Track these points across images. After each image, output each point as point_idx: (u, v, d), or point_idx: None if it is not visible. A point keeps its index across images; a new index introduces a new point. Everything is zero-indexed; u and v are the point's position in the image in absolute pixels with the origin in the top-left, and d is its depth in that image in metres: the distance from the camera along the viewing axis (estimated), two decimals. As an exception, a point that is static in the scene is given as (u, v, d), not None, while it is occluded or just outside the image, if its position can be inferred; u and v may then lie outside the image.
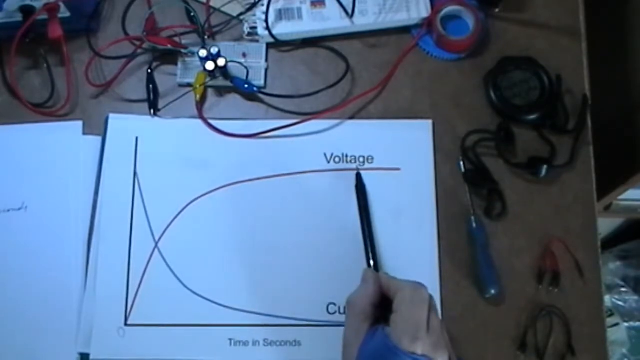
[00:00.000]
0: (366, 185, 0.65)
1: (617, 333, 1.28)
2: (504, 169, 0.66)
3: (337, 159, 0.66)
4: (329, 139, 0.67)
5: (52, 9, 0.65)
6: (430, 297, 0.48)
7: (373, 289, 0.51)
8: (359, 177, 0.65)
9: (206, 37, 0.68)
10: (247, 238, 0.64)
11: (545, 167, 0.64)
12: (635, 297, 1.29)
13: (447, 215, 0.65)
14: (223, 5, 0.70)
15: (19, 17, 0.64)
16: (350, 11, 0.69)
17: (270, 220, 0.65)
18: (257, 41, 0.70)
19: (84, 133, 0.67)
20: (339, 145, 0.67)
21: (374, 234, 0.63)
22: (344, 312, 0.62)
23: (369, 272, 0.54)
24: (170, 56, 0.69)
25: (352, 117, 0.68)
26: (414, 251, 0.64)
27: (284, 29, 0.69)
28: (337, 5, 0.69)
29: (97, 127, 0.67)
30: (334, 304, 0.62)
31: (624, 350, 1.28)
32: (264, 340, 0.61)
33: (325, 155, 0.67)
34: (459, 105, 0.69)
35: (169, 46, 0.67)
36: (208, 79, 0.67)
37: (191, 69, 0.68)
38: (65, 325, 0.62)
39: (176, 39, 0.68)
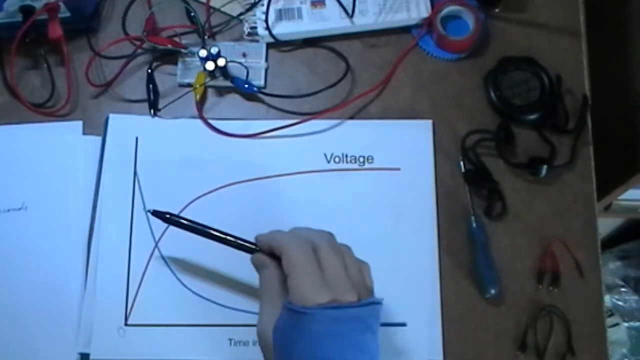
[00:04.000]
0: (365, 186, 0.65)
1: (617, 333, 1.28)
2: (504, 169, 0.66)
3: (337, 159, 0.66)
4: (329, 139, 0.67)
5: (52, 9, 0.64)
6: (318, 237, 0.47)
7: (270, 272, 0.48)
8: None
9: (206, 37, 0.68)
10: (247, 238, 0.64)
11: (545, 167, 0.64)
12: (635, 297, 1.29)
13: (447, 215, 0.65)
14: (223, 5, 0.70)
15: (19, 17, 0.64)
16: (350, 11, 0.69)
17: (270, 220, 0.64)
18: (257, 41, 0.70)
19: (84, 133, 0.67)
20: (339, 145, 0.67)
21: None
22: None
23: (258, 257, 0.50)
24: (170, 56, 0.69)
25: (352, 117, 0.68)
26: (414, 251, 0.64)
27: (284, 29, 0.69)
28: (337, 5, 0.69)
29: (97, 127, 0.67)
30: (334, 304, 0.62)
31: (624, 350, 1.28)
32: (264, 340, 0.61)
33: (325, 155, 0.67)
34: (459, 105, 0.69)
35: (169, 46, 0.67)
36: (208, 79, 0.67)
37: (191, 69, 0.68)
38: (65, 325, 0.61)
39: (176, 39, 0.68)
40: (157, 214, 0.55)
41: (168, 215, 0.55)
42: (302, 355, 0.42)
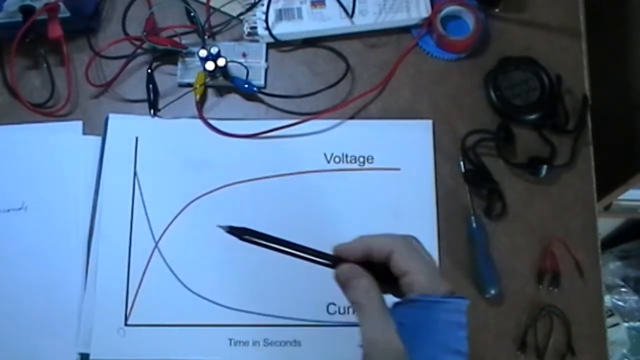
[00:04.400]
0: (365, 186, 0.65)
1: (617, 333, 1.28)
2: (504, 169, 0.66)
3: (337, 159, 0.66)
4: (329, 139, 0.67)
5: (52, 9, 0.64)
6: (403, 235, 0.45)
7: (367, 281, 0.44)
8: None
9: (206, 37, 0.68)
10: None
11: (545, 167, 0.64)
12: (635, 297, 1.29)
13: (447, 215, 0.65)
14: (223, 5, 0.70)
15: (19, 17, 0.64)
16: (350, 11, 0.69)
17: (270, 220, 0.65)
18: (257, 41, 0.70)
19: (84, 133, 0.67)
20: (339, 145, 0.67)
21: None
22: (344, 312, 0.62)
23: (349, 268, 0.45)
24: (170, 56, 0.69)
25: (352, 117, 0.68)
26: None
27: (284, 29, 0.69)
28: (337, 5, 0.69)
29: (97, 127, 0.67)
30: (334, 304, 0.62)
31: (624, 350, 1.28)
32: (264, 340, 0.61)
33: (325, 155, 0.67)
34: (459, 105, 0.69)
35: (169, 46, 0.67)
36: (208, 79, 0.67)
37: (191, 69, 0.68)
38: (65, 325, 0.61)
39: (176, 39, 0.68)
40: (233, 230, 0.48)
41: (244, 232, 0.49)
42: (440, 344, 0.42)
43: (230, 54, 0.67)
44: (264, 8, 0.68)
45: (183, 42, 0.68)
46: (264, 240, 0.48)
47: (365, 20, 0.69)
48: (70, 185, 0.65)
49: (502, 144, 0.66)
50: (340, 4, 0.69)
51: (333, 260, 0.46)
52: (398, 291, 0.44)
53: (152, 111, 0.68)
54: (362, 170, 0.66)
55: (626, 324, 1.28)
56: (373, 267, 0.44)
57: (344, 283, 0.46)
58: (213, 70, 0.65)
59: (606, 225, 1.28)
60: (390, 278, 0.45)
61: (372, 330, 0.43)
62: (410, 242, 0.45)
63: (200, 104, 0.67)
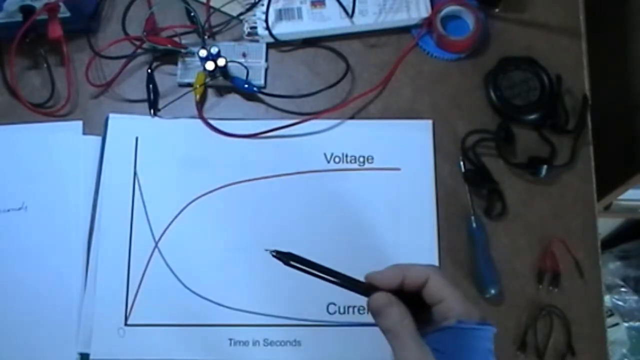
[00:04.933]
0: (365, 186, 0.65)
1: (617, 333, 1.28)
2: (504, 169, 0.66)
3: (337, 159, 0.66)
4: (329, 139, 0.67)
5: (52, 9, 0.64)
6: (430, 265, 0.45)
7: (401, 309, 0.44)
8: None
9: (206, 37, 0.68)
10: (247, 238, 0.64)
11: (545, 167, 0.64)
12: (635, 297, 1.29)
13: (447, 215, 0.65)
14: (223, 5, 0.70)
15: (19, 17, 0.64)
16: (350, 11, 0.69)
17: (270, 220, 0.65)
18: (257, 41, 0.70)
19: (84, 133, 0.67)
20: (339, 145, 0.67)
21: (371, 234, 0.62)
22: (344, 312, 0.62)
23: (383, 296, 0.44)
24: (170, 56, 0.69)
25: (352, 117, 0.68)
26: (414, 251, 0.64)
27: (284, 29, 0.69)
28: (337, 5, 0.69)
29: (97, 127, 0.67)
30: (334, 304, 0.62)
31: (624, 350, 1.28)
32: (264, 340, 0.61)
33: (325, 155, 0.67)
34: (459, 105, 0.69)
35: (169, 46, 0.67)
36: (208, 79, 0.67)
37: (191, 69, 0.68)
38: (65, 325, 0.61)
39: (176, 39, 0.68)
40: (279, 255, 0.48)
41: (289, 257, 0.49)
42: None
43: (230, 54, 0.67)
44: (264, 8, 0.68)
45: (183, 42, 0.68)
46: (306, 266, 0.48)
47: (365, 20, 0.69)
48: (70, 185, 0.65)
49: (502, 144, 0.66)
50: (340, 4, 0.69)
51: (366, 288, 0.46)
52: (423, 321, 0.44)
53: (152, 111, 0.68)
54: (362, 170, 0.66)
55: (626, 324, 1.29)
56: (402, 296, 0.44)
57: (377, 311, 0.45)
58: (213, 70, 0.65)
59: (606, 225, 1.28)
60: (416, 308, 0.45)
61: (409, 358, 0.43)
62: (439, 270, 0.45)
63: (200, 104, 0.67)
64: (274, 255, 0.49)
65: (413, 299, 0.45)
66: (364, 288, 0.46)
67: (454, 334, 0.43)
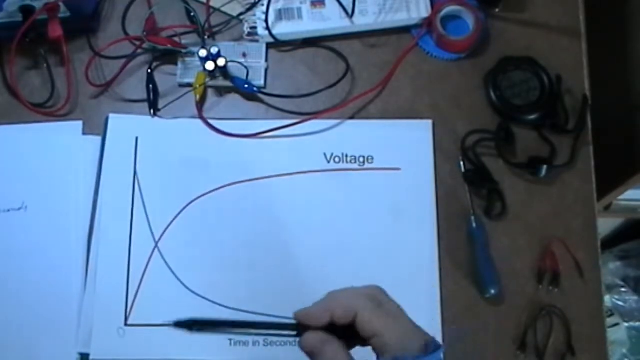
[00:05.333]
0: (365, 186, 0.65)
1: (617, 333, 1.28)
2: (504, 169, 0.66)
3: (337, 159, 0.66)
4: (329, 139, 0.67)
5: (52, 9, 0.64)
6: (365, 290, 0.43)
7: (333, 347, 0.41)
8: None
9: (206, 37, 0.68)
10: (247, 238, 0.64)
11: (545, 167, 0.64)
12: (635, 297, 1.29)
13: (447, 215, 0.65)
14: (223, 5, 0.70)
15: (19, 17, 0.64)
16: (350, 11, 0.69)
17: (270, 220, 0.65)
18: (257, 41, 0.70)
19: (84, 133, 0.67)
20: (339, 145, 0.67)
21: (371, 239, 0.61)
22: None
23: (315, 336, 0.42)
24: (170, 56, 0.69)
25: (352, 117, 0.68)
26: (414, 251, 0.64)
27: (284, 29, 0.69)
28: (337, 5, 0.69)
29: (97, 127, 0.67)
30: (334, 304, 0.62)
31: (624, 350, 1.28)
32: (264, 340, 0.61)
33: (325, 155, 0.67)
34: (459, 105, 0.69)
35: (169, 46, 0.67)
36: (208, 79, 0.67)
37: (191, 69, 0.68)
38: (65, 325, 0.61)
39: (176, 39, 0.68)
40: (181, 324, 0.49)
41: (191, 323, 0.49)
42: None
43: (230, 54, 0.67)
44: (264, 8, 0.68)
45: (183, 42, 0.68)
46: (214, 326, 0.48)
47: (365, 20, 0.69)
48: (70, 185, 0.65)
49: (502, 144, 0.66)
50: (340, 4, 0.69)
51: (296, 329, 0.44)
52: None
53: (152, 111, 0.67)
54: (362, 170, 0.66)
55: (626, 324, 1.28)
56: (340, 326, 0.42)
57: (310, 353, 0.43)
58: (213, 70, 0.65)
59: (606, 225, 1.28)
60: (357, 338, 0.42)
61: None
62: (375, 297, 0.42)
63: (200, 104, 0.67)
64: (176, 325, 0.48)
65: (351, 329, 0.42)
66: (294, 328, 0.44)
67: None
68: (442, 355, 0.41)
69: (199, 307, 0.62)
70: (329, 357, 0.42)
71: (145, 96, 0.68)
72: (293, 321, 0.44)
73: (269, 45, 0.70)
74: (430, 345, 0.40)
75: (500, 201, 0.65)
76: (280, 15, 0.69)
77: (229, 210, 0.65)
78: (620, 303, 1.30)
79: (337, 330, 0.42)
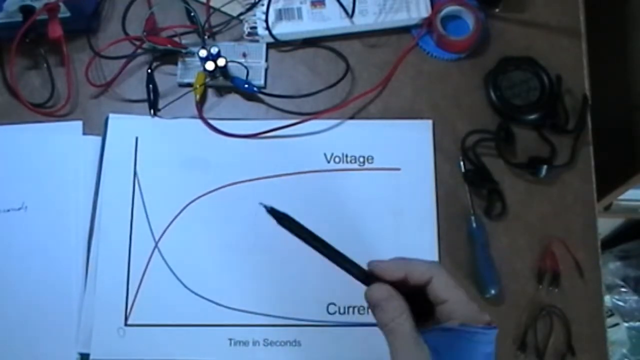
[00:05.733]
0: (365, 186, 0.65)
1: (617, 333, 1.28)
2: (504, 169, 0.66)
3: (337, 159, 0.66)
4: (329, 139, 0.67)
5: (52, 9, 0.64)
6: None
7: (401, 303, 0.42)
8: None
9: (206, 37, 0.68)
10: (247, 238, 0.64)
11: (545, 167, 0.64)
12: (635, 297, 1.29)
13: (447, 215, 0.65)
14: (223, 5, 0.70)
15: (19, 17, 0.64)
16: (350, 11, 0.69)
17: (270, 220, 0.65)
18: (257, 41, 0.70)
19: (84, 133, 0.67)
20: (339, 145, 0.67)
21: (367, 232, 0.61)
22: (344, 313, 0.62)
23: (382, 288, 0.43)
24: (170, 56, 0.69)
25: (352, 117, 0.68)
26: (414, 251, 0.63)
27: (284, 29, 0.69)
28: (337, 5, 0.69)
29: (97, 127, 0.67)
30: (334, 304, 0.62)
31: (624, 350, 1.28)
32: (264, 340, 0.61)
33: (325, 155, 0.67)
34: (459, 105, 0.69)
35: (169, 46, 0.67)
36: (208, 79, 0.67)
37: (191, 69, 0.68)
38: (65, 325, 0.61)
39: (176, 39, 0.68)
40: (274, 213, 0.47)
41: (284, 217, 0.47)
42: None
43: (230, 54, 0.67)
44: (264, 8, 0.68)
45: (183, 42, 0.68)
46: (300, 232, 0.47)
47: (365, 20, 0.69)
48: (70, 185, 0.65)
49: (502, 144, 0.66)
50: (340, 4, 0.69)
51: (365, 274, 0.44)
52: (427, 316, 0.43)
53: (152, 111, 0.67)
54: (362, 170, 0.66)
55: (626, 324, 1.29)
56: (405, 289, 0.43)
57: (375, 304, 0.43)
58: (213, 70, 0.65)
59: (606, 225, 1.28)
60: (420, 303, 0.43)
61: (405, 357, 0.41)
62: (443, 268, 0.44)
63: (200, 104, 0.67)
64: (268, 211, 0.47)
65: (417, 293, 0.43)
66: (363, 274, 0.44)
67: (457, 336, 0.41)
68: (496, 334, 0.42)
69: (199, 307, 0.62)
70: (393, 313, 0.42)
71: (145, 96, 0.68)
72: (371, 274, 0.44)
73: (269, 45, 0.70)
74: (492, 324, 0.42)
75: (500, 201, 0.65)
76: (280, 15, 0.69)
77: (229, 210, 0.65)
78: (620, 303, 1.30)
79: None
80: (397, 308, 0.42)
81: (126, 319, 0.62)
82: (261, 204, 0.46)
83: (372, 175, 0.66)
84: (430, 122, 0.68)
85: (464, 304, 0.42)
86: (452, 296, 0.42)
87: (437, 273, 0.43)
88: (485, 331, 0.41)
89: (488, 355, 0.42)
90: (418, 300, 0.43)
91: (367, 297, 0.44)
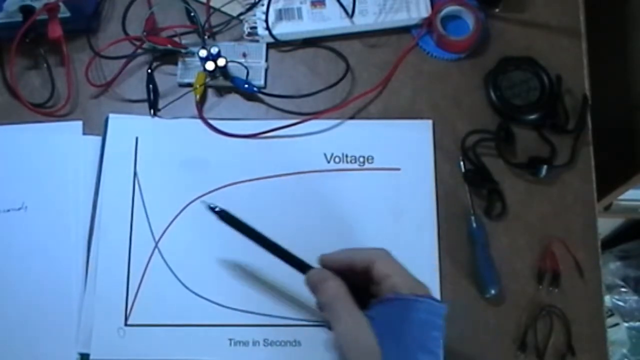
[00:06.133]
0: (365, 186, 0.65)
1: (617, 333, 1.28)
2: (504, 169, 0.66)
3: (337, 159, 0.67)
4: (329, 139, 0.67)
5: (52, 9, 0.65)
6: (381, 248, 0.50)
7: (336, 282, 0.48)
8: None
9: (206, 37, 0.68)
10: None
11: (545, 167, 0.64)
12: (635, 297, 1.29)
13: (447, 215, 0.65)
14: (223, 5, 0.70)
15: (19, 17, 0.64)
16: (350, 11, 0.69)
17: (270, 220, 0.64)
18: (257, 41, 0.70)
19: (84, 133, 0.67)
20: (339, 145, 0.67)
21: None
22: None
23: (318, 272, 0.50)
24: (170, 56, 0.69)
25: (352, 117, 0.68)
26: (414, 251, 0.64)
27: (284, 29, 0.69)
28: (337, 5, 0.69)
29: (97, 127, 0.67)
30: (334, 304, 0.62)
31: (624, 350, 1.28)
32: (264, 340, 0.61)
33: (325, 155, 0.67)
34: (459, 105, 0.69)
35: (169, 46, 0.67)
36: (208, 79, 0.67)
37: (191, 69, 0.68)
38: (65, 325, 0.61)
39: (176, 39, 0.68)
40: (212, 209, 0.53)
41: (219, 210, 0.53)
42: (413, 341, 0.44)
43: (230, 54, 0.67)
44: (264, 8, 0.68)
45: (183, 42, 0.68)
46: (240, 229, 0.52)
47: (365, 20, 0.69)
48: (70, 185, 0.65)
49: (502, 144, 0.66)
50: (340, 4, 0.69)
51: (305, 266, 0.50)
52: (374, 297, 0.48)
53: (152, 111, 0.68)
54: (362, 170, 0.66)
55: (626, 324, 1.29)
56: (351, 282, 0.48)
57: (313, 287, 0.49)
58: (213, 70, 0.65)
59: (606, 225, 1.28)
60: (367, 292, 0.48)
61: (345, 330, 0.45)
62: (389, 253, 0.49)
63: (200, 104, 0.67)
64: (210, 209, 0.52)
65: (364, 281, 0.48)
66: (302, 266, 0.50)
67: (391, 305, 0.45)
68: (443, 311, 0.46)
69: (199, 307, 0.62)
70: (331, 293, 0.47)
71: (145, 96, 0.68)
72: (310, 264, 0.51)
73: (269, 45, 0.70)
74: (431, 296, 0.47)
75: (500, 201, 0.65)
76: (280, 15, 0.69)
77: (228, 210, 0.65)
78: (620, 303, 1.30)
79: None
80: (334, 287, 0.47)
81: (126, 319, 0.62)
82: (203, 202, 0.53)
83: (372, 175, 0.66)
84: (430, 122, 0.68)
85: (405, 276, 0.47)
86: (393, 272, 0.47)
87: (381, 255, 0.48)
88: (418, 299, 0.45)
89: (428, 323, 0.45)
90: (366, 286, 0.49)
91: (306, 283, 0.49)
